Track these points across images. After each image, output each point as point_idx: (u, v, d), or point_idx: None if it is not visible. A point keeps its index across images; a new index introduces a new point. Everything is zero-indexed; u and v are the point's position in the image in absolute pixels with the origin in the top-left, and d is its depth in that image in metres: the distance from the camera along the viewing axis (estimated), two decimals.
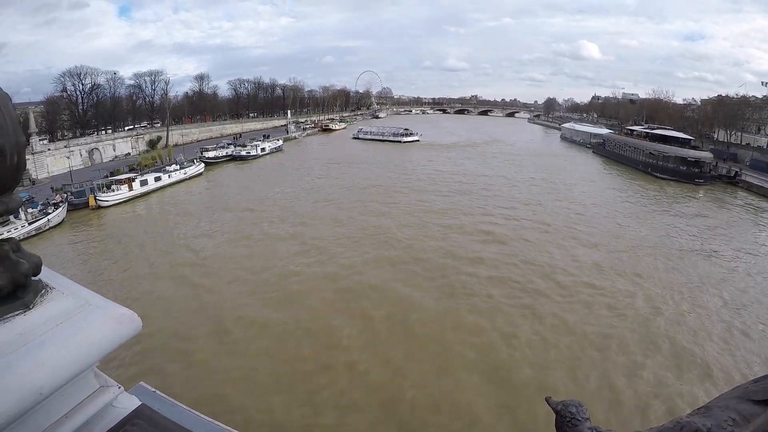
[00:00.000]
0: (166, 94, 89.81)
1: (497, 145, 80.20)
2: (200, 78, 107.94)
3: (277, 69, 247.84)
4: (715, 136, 72.78)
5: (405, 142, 76.56)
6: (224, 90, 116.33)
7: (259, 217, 32.50)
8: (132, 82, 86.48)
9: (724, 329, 17.51)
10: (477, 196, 38.96)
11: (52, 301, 1.23)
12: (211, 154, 59.35)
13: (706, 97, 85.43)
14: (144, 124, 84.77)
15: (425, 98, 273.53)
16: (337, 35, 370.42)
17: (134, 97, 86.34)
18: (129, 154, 65.21)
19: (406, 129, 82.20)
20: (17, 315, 1.14)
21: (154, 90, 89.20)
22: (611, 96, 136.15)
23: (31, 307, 1.18)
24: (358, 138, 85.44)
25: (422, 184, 43.80)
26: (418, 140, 78.66)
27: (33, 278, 1.23)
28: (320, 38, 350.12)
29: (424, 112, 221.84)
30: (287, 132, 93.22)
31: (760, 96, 74.17)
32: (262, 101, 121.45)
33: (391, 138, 78.99)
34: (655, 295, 20.34)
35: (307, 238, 27.05)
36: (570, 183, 47.07)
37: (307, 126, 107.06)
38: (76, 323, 1.19)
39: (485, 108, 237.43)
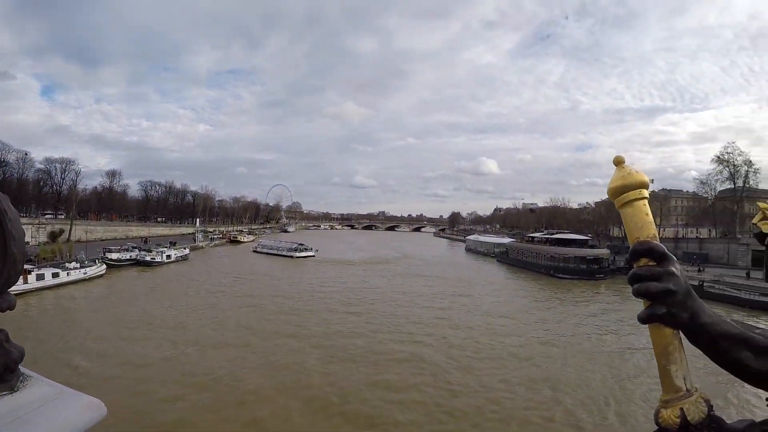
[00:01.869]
0: (75, 186, 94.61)
1: (405, 260, 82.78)
2: (112, 174, 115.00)
3: (190, 175, 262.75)
4: (611, 233, 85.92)
5: (297, 257, 79.49)
6: (135, 190, 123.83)
7: (151, 335, 29.15)
8: (42, 166, 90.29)
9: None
10: (375, 319, 36.04)
11: (32, 386, 1.50)
12: (114, 255, 60.28)
13: (599, 200, 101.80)
14: (48, 213, 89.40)
15: (334, 214, 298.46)
16: (252, 147, 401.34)
17: (42, 183, 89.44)
18: (28, 243, 59.83)
19: (300, 244, 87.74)
20: (4, 395, 1.41)
21: (63, 179, 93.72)
22: (512, 207, 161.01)
23: (15, 390, 1.45)
24: (257, 251, 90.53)
25: (326, 303, 41.23)
26: (313, 255, 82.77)
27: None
28: (235, 148, 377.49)
29: (332, 228, 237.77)
30: (194, 240, 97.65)
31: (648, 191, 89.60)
32: (172, 206, 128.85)
33: (285, 253, 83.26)
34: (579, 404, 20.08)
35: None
36: (481, 294, 48.84)
37: (215, 236, 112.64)
38: (55, 407, 1.44)
39: (392, 223, 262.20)
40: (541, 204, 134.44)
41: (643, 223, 1.33)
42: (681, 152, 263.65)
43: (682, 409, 1.27)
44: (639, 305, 1.32)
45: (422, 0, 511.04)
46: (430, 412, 18.40)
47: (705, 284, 45.85)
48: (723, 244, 70.45)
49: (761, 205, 1.99)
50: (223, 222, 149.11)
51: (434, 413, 18.34)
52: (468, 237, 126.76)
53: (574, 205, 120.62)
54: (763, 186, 80.00)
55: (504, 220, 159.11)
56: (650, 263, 1.28)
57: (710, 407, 1.31)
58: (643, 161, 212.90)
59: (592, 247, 68.63)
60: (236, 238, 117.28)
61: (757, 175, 76.65)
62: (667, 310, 1.26)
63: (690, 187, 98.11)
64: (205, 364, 23.16)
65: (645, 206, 1.36)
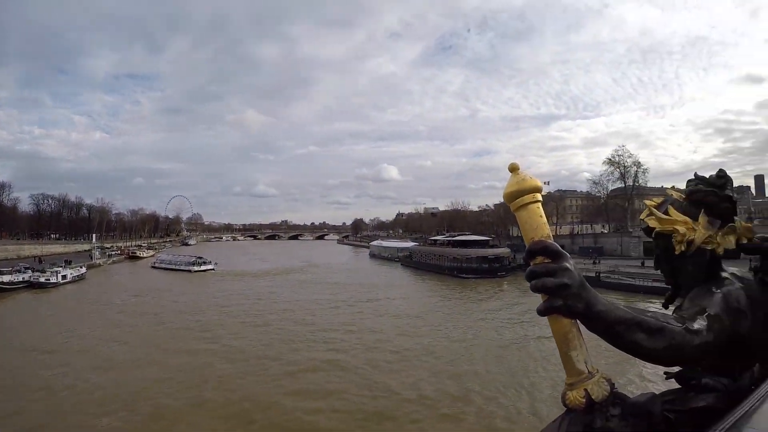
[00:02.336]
0: None
1: (310, 269, 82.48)
2: (0, 187, 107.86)
3: (85, 187, 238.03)
4: (510, 233, 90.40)
5: (196, 271, 78.03)
6: (25, 204, 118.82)
7: (52, 362, 26.76)
8: None
9: None
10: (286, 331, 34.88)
11: None
12: (6, 278, 56.42)
13: (498, 202, 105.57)
14: None
15: (236, 225, 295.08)
16: (150, 156, 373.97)
17: None
18: None
19: (199, 257, 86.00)
20: None
21: None
22: (414, 212, 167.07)
23: None
24: (156, 267, 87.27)
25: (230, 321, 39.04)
26: (212, 269, 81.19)
27: None
28: (133, 158, 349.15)
29: (234, 239, 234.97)
30: (91, 258, 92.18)
31: (544, 193, 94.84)
32: (66, 221, 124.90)
33: (183, 267, 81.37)
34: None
35: None
36: (390, 298, 49.44)
37: (113, 252, 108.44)
38: None
39: (295, 232, 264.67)
40: (442, 208, 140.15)
41: (537, 224, 1.49)
42: (574, 156, 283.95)
43: (586, 389, 1.44)
44: (540, 298, 1.45)
45: (327, 9, 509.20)
46: (351, 417, 18.60)
47: (601, 275, 48.98)
48: (616, 237, 75.62)
49: (648, 202, 2.42)
50: (121, 237, 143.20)
51: (356, 417, 18.56)
52: (372, 243, 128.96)
53: (475, 208, 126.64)
54: (651, 184, 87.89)
55: (406, 224, 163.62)
56: (546, 260, 1.43)
57: (612, 385, 1.49)
58: (539, 165, 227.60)
59: (493, 247, 72.80)
60: (135, 253, 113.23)
61: (646, 174, 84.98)
62: (564, 302, 1.40)
63: (583, 187, 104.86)
64: (117, 385, 22.08)
65: (539, 209, 1.50)
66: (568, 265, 1.43)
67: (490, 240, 78.14)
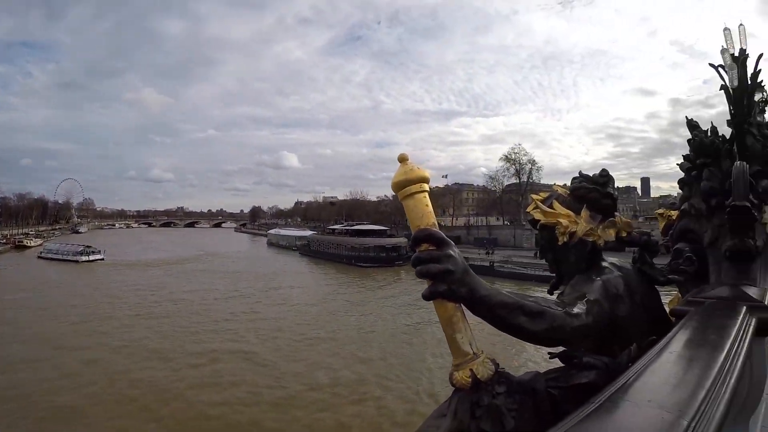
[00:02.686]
0: None
1: (207, 258, 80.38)
2: None
3: None
4: (408, 222, 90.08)
5: (83, 261, 73.26)
6: None
7: None
8: None
9: None
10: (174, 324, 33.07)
11: None
12: None
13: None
14: None
15: (130, 211, 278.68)
16: (41, 135, 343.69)
17: None
18: None
19: (87, 246, 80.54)
20: None
21: None
22: (313, 200, 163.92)
23: None
24: (42, 257, 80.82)
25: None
26: (102, 258, 76.28)
27: None
28: (21, 136, 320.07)
29: (128, 226, 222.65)
30: None
31: (441, 186, 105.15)
32: None
33: (71, 257, 75.82)
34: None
35: None
36: (288, 286, 48.93)
37: None
38: None
39: (192, 220, 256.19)
40: (341, 197, 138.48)
41: (423, 213, 1.52)
42: (472, 151, 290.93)
43: (471, 370, 1.51)
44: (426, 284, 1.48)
45: None
46: (258, 407, 18.41)
47: (495, 264, 50.38)
48: (510, 229, 78.12)
49: (534, 196, 2.73)
50: (6, 224, 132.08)
51: (262, 407, 18.41)
52: (270, 231, 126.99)
53: (373, 198, 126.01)
54: (544, 181, 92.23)
55: (305, 213, 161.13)
56: (431, 248, 1.47)
57: (497, 365, 1.59)
58: (438, 159, 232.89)
59: (390, 236, 73.63)
60: (22, 242, 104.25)
61: (540, 171, 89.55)
62: (447, 287, 1.45)
63: (480, 182, 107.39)
64: (11, 386, 20.29)
65: (425, 198, 1.54)
66: (452, 252, 1.48)
67: (388, 230, 78.79)
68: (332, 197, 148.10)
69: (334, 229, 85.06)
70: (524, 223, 78.45)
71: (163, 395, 19.46)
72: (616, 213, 2.70)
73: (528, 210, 2.61)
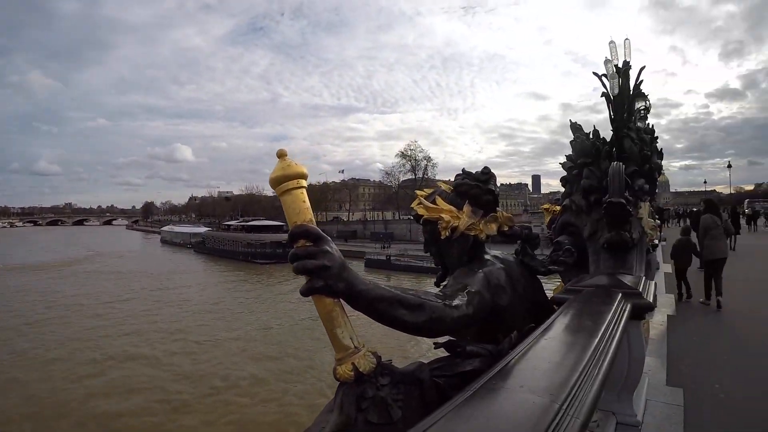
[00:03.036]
0: None
1: (98, 258, 75.32)
2: None
3: None
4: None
5: None
6: None
7: None
8: None
9: None
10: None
11: None
12: None
13: None
14: None
15: (13, 208, 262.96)
16: None
17: None
18: None
19: None
20: None
21: None
22: (208, 195, 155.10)
23: None
24: None
25: None
26: None
27: None
28: None
29: (12, 225, 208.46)
30: None
31: (338, 180, 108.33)
32: None
33: None
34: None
35: None
36: (184, 286, 46.64)
37: None
38: None
39: (81, 217, 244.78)
40: (237, 192, 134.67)
41: (300, 209, 1.49)
42: (369, 147, 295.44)
43: (353, 363, 1.52)
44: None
45: None
46: (162, 413, 17.70)
47: (392, 258, 50.35)
48: (406, 224, 78.36)
49: (418, 192, 2.84)
50: None
51: (167, 412, 17.73)
52: (163, 228, 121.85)
53: (269, 193, 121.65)
54: (439, 177, 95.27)
55: (200, 209, 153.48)
56: (308, 244, 1.45)
57: (379, 358, 1.59)
58: (334, 153, 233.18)
59: (286, 231, 70.14)
60: None
61: (435, 168, 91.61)
62: (324, 283, 1.44)
63: (377, 177, 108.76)
64: None
65: (303, 194, 1.51)
66: (328, 247, 1.46)
67: (284, 225, 76.63)
68: (227, 192, 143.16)
69: (230, 225, 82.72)
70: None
71: (61, 408, 18.28)
72: (497, 208, 2.82)
73: (412, 206, 2.70)
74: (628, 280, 3.56)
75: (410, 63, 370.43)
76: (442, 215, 2.59)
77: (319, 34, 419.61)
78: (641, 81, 4.88)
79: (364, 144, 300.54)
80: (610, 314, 2.55)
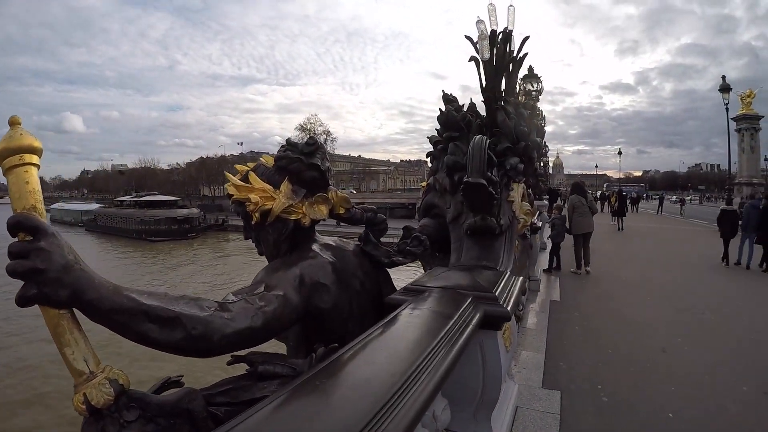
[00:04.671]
0: None
1: None
2: None
3: None
4: (201, 192, 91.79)
5: None
6: None
7: None
8: None
9: None
10: None
11: None
12: None
13: (190, 160, 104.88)
14: None
15: None
16: None
17: None
18: None
19: None
20: None
21: None
22: (101, 169, 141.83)
23: None
24: None
25: None
26: None
27: None
28: None
29: None
30: None
31: (236, 153, 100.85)
32: None
33: None
34: None
35: None
36: None
37: None
38: None
39: None
40: (131, 165, 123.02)
41: (20, 193, 1.19)
42: (267, 119, 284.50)
43: (85, 393, 1.19)
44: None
45: None
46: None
47: None
48: None
49: (237, 167, 2.31)
50: None
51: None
52: (53, 206, 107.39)
53: (165, 166, 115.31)
54: (339, 152, 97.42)
55: (92, 184, 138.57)
56: (27, 238, 1.15)
57: (121, 387, 1.23)
58: (232, 126, 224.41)
59: (182, 207, 68.89)
60: None
61: (334, 143, 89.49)
62: (38, 290, 1.13)
63: (276, 150, 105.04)
64: None
65: (26, 174, 1.20)
66: (44, 244, 1.14)
67: (180, 200, 73.90)
68: (121, 165, 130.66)
69: (123, 201, 75.92)
70: None
71: None
72: (330, 187, 2.38)
73: (226, 185, 2.23)
74: (485, 278, 2.86)
75: (314, 35, 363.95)
76: (250, 195, 2.13)
77: None
78: (525, 54, 4.17)
79: (263, 116, 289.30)
80: (450, 324, 2.01)
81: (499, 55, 4.01)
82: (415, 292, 2.62)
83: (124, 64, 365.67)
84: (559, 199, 17.23)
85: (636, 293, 8.71)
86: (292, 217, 2.19)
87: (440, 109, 4.14)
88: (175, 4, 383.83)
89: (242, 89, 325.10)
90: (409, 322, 2.11)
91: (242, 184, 2.15)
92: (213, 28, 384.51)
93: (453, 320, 2.05)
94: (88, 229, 75.45)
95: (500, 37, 4.03)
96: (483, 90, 4.00)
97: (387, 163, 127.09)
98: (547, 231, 11.49)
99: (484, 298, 2.52)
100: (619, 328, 6.48)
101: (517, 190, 3.88)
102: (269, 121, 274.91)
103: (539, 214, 10.17)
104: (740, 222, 12.69)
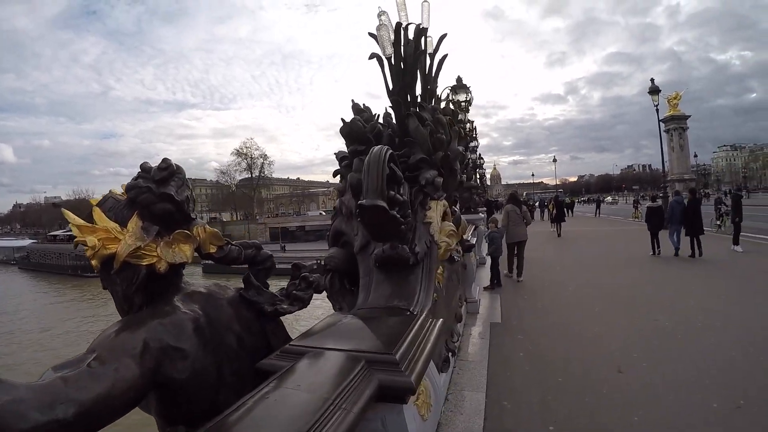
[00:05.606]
0: None
1: None
2: None
3: None
4: None
5: None
6: None
7: None
8: None
9: None
10: None
11: None
12: None
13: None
14: None
15: None
16: None
17: None
18: None
19: None
20: None
21: None
22: (33, 202, 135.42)
23: None
24: None
25: None
26: None
27: None
28: None
29: None
30: None
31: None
32: None
33: None
34: None
35: None
36: (8, 312, 37.46)
37: None
38: None
39: None
40: (65, 197, 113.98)
41: None
42: (203, 145, 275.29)
43: None
44: None
45: None
46: None
47: None
48: (244, 224, 75.97)
49: (65, 213, 1.82)
50: None
51: None
52: None
53: (99, 196, 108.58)
54: (276, 175, 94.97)
55: (24, 218, 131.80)
56: None
57: None
58: (168, 152, 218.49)
59: None
60: None
61: (271, 166, 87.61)
62: None
63: (212, 177, 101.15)
64: None
65: None
66: None
67: None
68: (55, 197, 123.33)
69: (56, 236, 72.51)
70: (258, 217, 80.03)
71: None
72: (195, 221, 1.99)
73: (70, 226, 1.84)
74: (387, 331, 2.18)
75: (250, 58, 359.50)
76: (88, 238, 1.71)
77: (155, 22, 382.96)
78: (445, 55, 3.70)
79: (198, 142, 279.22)
80: (331, 401, 1.50)
81: (408, 53, 3.35)
82: (293, 356, 1.96)
83: (55, 90, 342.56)
84: (495, 211, 16.94)
85: (582, 303, 8.18)
86: (144, 262, 1.77)
87: (342, 119, 3.43)
88: (108, 27, 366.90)
89: (177, 114, 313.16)
90: (266, 414, 1.48)
91: (83, 223, 1.76)
92: (147, 52, 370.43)
93: (329, 403, 1.49)
94: (21, 267, 71.25)
95: (410, 32, 3.40)
96: (389, 93, 3.34)
97: (326, 184, 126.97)
98: (486, 246, 11.06)
99: (381, 363, 1.86)
100: (568, 347, 5.82)
101: (436, 209, 3.20)
102: (205, 146, 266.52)
103: (475, 229, 9.64)
104: (665, 216, 13.98)
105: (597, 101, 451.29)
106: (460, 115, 11.51)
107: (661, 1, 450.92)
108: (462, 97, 11.78)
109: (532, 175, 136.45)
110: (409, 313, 2.57)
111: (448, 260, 3.65)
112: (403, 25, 3.28)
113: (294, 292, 2.36)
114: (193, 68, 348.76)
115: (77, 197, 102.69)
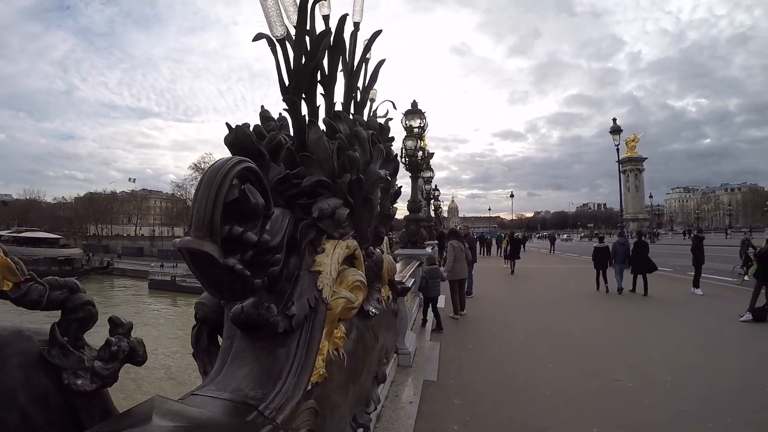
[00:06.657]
0: None
1: None
2: None
3: None
4: (88, 231, 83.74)
5: None
6: None
7: None
8: None
9: None
10: None
11: None
12: None
13: (78, 195, 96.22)
14: None
15: None
16: None
17: None
18: None
19: None
20: None
21: None
22: None
23: None
24: None
25: None
26: None
27: None
28: None
29: None
30: None
31: (128, 190, 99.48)
32: None
33: None
34: None
35: None
36: None
37: None
38: None
39: None
40: (15, 196, 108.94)
41: None
42: (162, 156, 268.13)
43: None
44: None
45: None
46: None
47: (177, 278, 43.77)
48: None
49: None
50: None
51: None
52: None
53: (50, 200, 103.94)
54: None
55: None
56: None
57: None
58: (126, 160, 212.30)
59: (64, 246, 63.02)
60: None
61: None
62: None
63: (169, 189, 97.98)
64: None
65: None
66: None
67: (62, 239, 66.48)
68: (6, 195, 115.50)
69: (1, 236, 65.28)
70: None
71: None
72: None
73: None
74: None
75: (218, 72, 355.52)
76: None
77: (128, 25, 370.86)
78: (382, 60, 3.19)
79: (158, 152, 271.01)
80: None
81: (316, 39, 2.42)
82: None
83: (19, 83, 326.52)
84: (435, 247, 16.04)
85: (534, 353, 7.34)
86: None
87: (227, 125, 2.49)
88: (80, 24, 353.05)
89: (138, 122, 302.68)
90: None
91: None
92: (116, 54, 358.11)
93: None
94: None
95: (322, 13, 2.56)
96: (284, 90, 2.43)
97: None
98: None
99: None
100: (516, 417, 4.82)
101: (332, 253, 2.26)
102: (164, 158, 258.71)
103: (418, 265, 8.77)
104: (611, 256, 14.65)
105: (556, 140, 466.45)
106: (412, 139, 10.73)
107: (623, 48, 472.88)
108: (416, 122, 10.98)
109: (489, 209, 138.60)
110: (256, 413, 1.63)
111: (360, 316, 2.75)
112: (311, 1, 2.36)
113: (95, 364, 1.66)
114: (161, 76, 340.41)
115: (28, 197, 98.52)
